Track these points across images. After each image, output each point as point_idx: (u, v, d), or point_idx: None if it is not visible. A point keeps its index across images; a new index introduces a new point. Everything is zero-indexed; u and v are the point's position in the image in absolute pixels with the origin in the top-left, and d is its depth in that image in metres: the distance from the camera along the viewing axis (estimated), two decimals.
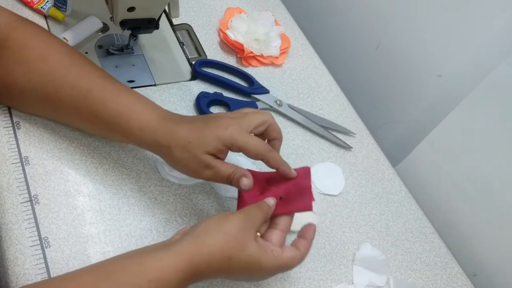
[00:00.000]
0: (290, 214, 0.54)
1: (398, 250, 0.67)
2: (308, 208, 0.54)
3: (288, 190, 0.54)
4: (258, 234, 0.51)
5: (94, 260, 0.54)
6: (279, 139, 0.57)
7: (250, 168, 0.55)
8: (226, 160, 0.54)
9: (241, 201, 0.54)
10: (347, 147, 0.75)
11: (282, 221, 0.53)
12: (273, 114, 0.75)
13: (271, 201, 0.53)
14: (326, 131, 0.75)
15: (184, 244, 0.46)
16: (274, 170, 0.55)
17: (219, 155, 0.53)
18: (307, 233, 0.53)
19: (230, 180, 0.53)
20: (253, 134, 0.54)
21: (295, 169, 0.55)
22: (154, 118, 0.55)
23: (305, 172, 0.55)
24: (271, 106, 0.75)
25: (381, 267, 0.64)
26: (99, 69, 0.59)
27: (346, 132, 0.77)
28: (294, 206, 0.54)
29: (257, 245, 0.48)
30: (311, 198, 0.54)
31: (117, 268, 0.44)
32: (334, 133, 0.76)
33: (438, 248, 0.70)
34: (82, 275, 0.44)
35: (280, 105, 0.75)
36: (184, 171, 0.55)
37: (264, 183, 0.56)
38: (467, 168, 0.72)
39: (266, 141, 0.56)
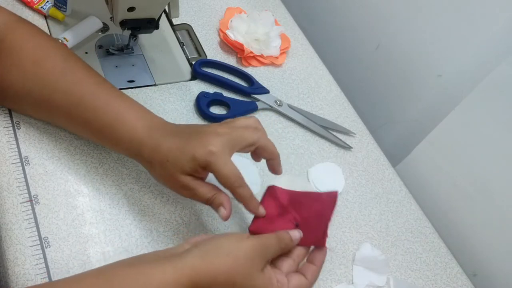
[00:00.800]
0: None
1: (398, 250, 0.67)
2: (321, 244, 0.51)
3: (307, 217, 0.52)
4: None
5: (94, 260, 0.54)
6: (274, 159, 0.55)
7: (253, 171, 0.55)
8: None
9: (255, 219, 0.53)
10: (347, 147, 0.75)
11: (296, 250, 0.51)
12: (273, 114, 0.75)
13: (296, 234, 0.50)
14: (326, 131, 0.75)
15: (190, 259, 0.45)
16: (307, 190, 0.55)
17: (197, 175, 0.51)
18: (316, 258, 0.51)
19: (210, 204, 0.51)
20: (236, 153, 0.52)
21: (324, 193, 0.53)
22: (145, 129, 0.53)
23: (331, 199, 0.53)
24: (271, 106, 0.75)
25: (381, 267, 0.64)
26: (94, 74, 0.58)
27: (346, 132, 0.77)
28: (308, 239, 0.51)
29: (263, 277, 0.47)
30: (325, 232, 0.51)
31: (121, 276, 0.44)
32: (334, 133, 0.76)
33: (438, 248, 0.70)
34: (85, 280, 0.44)
35: (280, 105, 0.75)
36: (167, 186, 0.55)
37: (285, 201, 0.54)
38: (467, 168, 0.72)
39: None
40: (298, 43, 0.88)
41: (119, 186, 0.60)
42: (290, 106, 0.76)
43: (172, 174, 0.51)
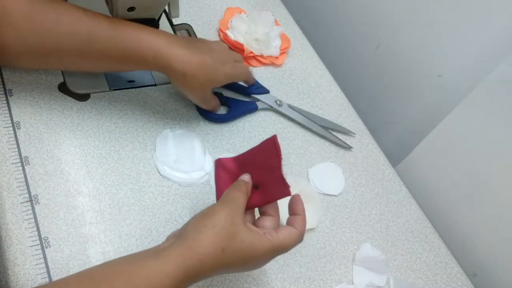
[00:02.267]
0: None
1: (398, 250, 0.67)
2: (287, 193, 0.50)
3: (260, 174, 0.52)
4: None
5: (94, 260, 0.54)
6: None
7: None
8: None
9: (218, 193, 0.53)
10: (347, 147, 0.75)
11: (268, 207, 0.51)
12: (273, 114, 0.75)
13: (245, 176, 0.52)
14: (326, 131, 0.75)
15: (174, 248, 0.45)
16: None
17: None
18: (296, 207, 0.51)
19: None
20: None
21: (263, 143, 0.52)
22: (165, 42, 0.58)
23: (271, 145, 0.51)
24: (271, 106, 0.75)
25: (381, 267, 0.64)
26: (84, 9, 0.58)
27: (346, 132, 0.77)
28: (272, 195, 0.51)
29: (247, 229, 0.47)
30: (284, 181, 0.50)
31: (105, 277, 0.43)
32: (334, 133, 0.76)
33: (438, 248, 0.70)
34: (69, 284, 0.43)
35: (280, 105, 0.75)
36: (190, 97, 0.65)
37: (235, 168, 0.54)
38: (467, 168, 0.72)
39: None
40: (298, 43, 0.88)
41: (119, 186, 0.60)
42: (290, 106, 0.76)
43: (204, 85, 0.62)
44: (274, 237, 0.48)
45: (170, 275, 0.43)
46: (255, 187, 0.52)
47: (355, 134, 0.78)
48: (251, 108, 0.74)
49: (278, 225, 0.51)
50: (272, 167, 0.51)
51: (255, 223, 0.51)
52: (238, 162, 0.54)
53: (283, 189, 0.50)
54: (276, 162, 0.51)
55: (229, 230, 0.46)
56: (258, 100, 0.75)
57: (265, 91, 0.76)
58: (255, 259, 0.48)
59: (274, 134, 0.51)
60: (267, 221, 0.50)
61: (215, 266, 0.46)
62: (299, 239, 0.50)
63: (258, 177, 0.52)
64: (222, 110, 0.73)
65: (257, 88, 0.76)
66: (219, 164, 0.55)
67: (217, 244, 0.45)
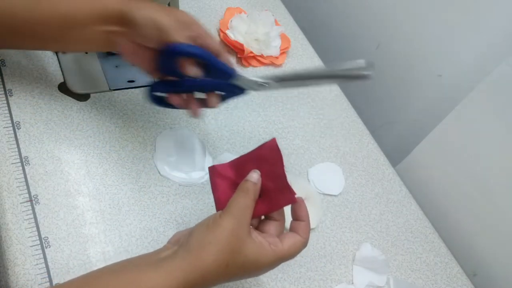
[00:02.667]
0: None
1: (398, 250, 0.67)
2: (292, 200, 0.48)
3: (263, 181, 0.49)
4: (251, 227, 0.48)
5: (94, 260, 0.54)
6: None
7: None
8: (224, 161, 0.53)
9: (217, 203, 0.50)
10: (364, 76, 0.57)
11: (274, 214, 0.50)
12: (274, 112, 0.75)
13: (253, 175, 0.48)
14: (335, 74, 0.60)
15: (177, 262, 0.44)
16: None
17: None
18: (300, 214, 0.49)
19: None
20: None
21: (263, 146, 0.49)
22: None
23: (272, 149, 0.48)
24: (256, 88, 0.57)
25: (381, 267, 0.64)
26: None
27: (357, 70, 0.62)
28: (277, 203, 0.49)
29: (252, 243, 0.46)
30: (289, 186, 0.48)
31: (107, 285, 0.43)
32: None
33: (438, 248, 0.70)
34: None
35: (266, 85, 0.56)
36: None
37: (233, 175, 0.51)
38: (467, 168, 0.72)
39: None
40: (298, 43, 0.88)
41: (119, 186, 0.60)
42: (279, 79, 0.55)
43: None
44: (279, 248, 0.47)
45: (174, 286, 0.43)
46: (259, 195, 0.49)
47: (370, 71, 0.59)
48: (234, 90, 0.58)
49: (283, 230, 0.50)
50: (275, 173, 0.48)
51: (259, 227, 0.50)
52: (235, 168, 0.51)
53: (289, 196, 0.48)
54: (279, 168, 0.48)
55: (234, 245, 0.45)
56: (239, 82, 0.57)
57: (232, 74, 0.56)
58: (259, 269, 0.47)
59: (273, 138, 0.49)
60: (272, 226, 0.49)
61: (218, 279, 0.45)
62: (304, 246, 0.49)
63: (262, 185, 0.49)
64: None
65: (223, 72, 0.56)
66: (214, 172, 0.51)
67: (221, 261, 0.44)
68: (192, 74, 0.53)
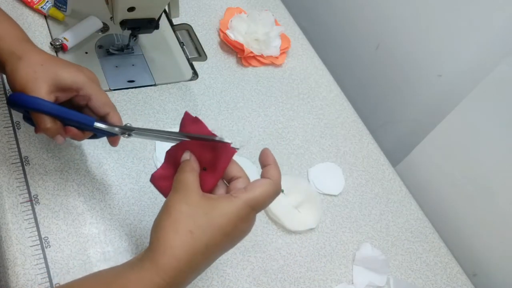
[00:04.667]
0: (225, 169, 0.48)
1: (398, 250, 0.67)
2: (230, 151, 0.47)
3: (200, 155, 0.48)
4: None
5: (94, 260, 0.54)
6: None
7: (253, 171, 0.52)
8: None
9: (164, 191, 0.49)
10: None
11: (231, 172, 0.48)
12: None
13: (184, 155, 0.48)
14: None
15: (146, 257, 0.43)
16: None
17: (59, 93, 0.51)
18: (266, 158, 0.47)
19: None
20: None
21: (181, 124, 0.49)
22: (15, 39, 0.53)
23: (190, 121, 0.48)
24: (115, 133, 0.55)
25: (381, 267, 0.64)
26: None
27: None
28: (220, 162, 0.47)
29: (207, 200, 0.44)
30: (222, 143, 0.47)
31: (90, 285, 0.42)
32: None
33: (438, 248, 0.70)
34: None
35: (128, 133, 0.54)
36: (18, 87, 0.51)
37: (174, 171, 0.49)
38: (467, 168, 0.72)
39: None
40: (298, 43, 0.88)
41: (119, 186, 0.60)
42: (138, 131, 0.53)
43: (43, 78, 0.50)
44: (245, 195, 0.44)
45: (148, 282, 0.41)
46: (204, 169, 0.48)
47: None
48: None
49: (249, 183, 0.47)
50: (204, 143, 0.48)
51: (226, 190, 0.47)
52: (170, 162, 0.50)
53: (225, 150, 0.47)
54: (204, 131, 0.48)
55: (189, 213, 0.43)
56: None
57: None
58: (231, 224, 0.43)
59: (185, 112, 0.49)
60: (238, 183, 0.47)
61: (193, 253, 0.42)
62: (275, 188, 0.45)
63: (199, 159, 0.48)
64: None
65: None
66: (155, 179, 0.51)
67: (182, 232, 0.42)
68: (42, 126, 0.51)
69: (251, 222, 0.45)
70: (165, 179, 0.50)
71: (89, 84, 0.53)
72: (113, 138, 0.55)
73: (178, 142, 0.50)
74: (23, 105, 0.50)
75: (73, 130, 0.53)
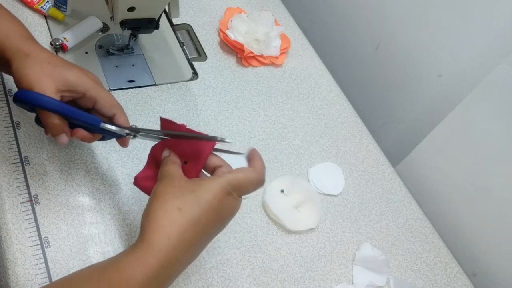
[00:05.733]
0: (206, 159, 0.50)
1: (398, 250, 0.67)
2: (211, 146, 0.50)
3: (180, 151, 0.51)
4: None
5: (94, 260, 0.54)
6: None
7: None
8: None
9: (149, 192, 0.50)
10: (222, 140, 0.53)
11: (212, 162, 0.50)
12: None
13: (164, 153, 0.51)
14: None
15: (138, 240, 0.44)
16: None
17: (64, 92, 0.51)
18: (252, 153, 0.50)
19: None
20: None
21: (162, 126, 0.51)
22: (21, 38, 0.53)
23: (169, 123, 0.51)
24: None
25: (381, 267, 0.64)
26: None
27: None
28: (201, 154, 0.50)
29: (193, 180, 0.46)
30: (203, 136, 0.50)
31: (79, 279, 0.43)
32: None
33: (438, 248, 0.70)
34: None
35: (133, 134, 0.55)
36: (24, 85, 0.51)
37: (157, 171, 0.51)
38: (467, 168, 0.72)
39: None
40: (298, 43, 0.88)
41: (119, 186, 0.60)
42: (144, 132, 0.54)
43: (49, 74, 0.51)
44: (226, 174, 0.47)
45: (141, 262, 0.42)
46: (185, 162, 0.51)
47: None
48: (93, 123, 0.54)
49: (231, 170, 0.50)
50: (184, 141, 0.50)
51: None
52: (152, 162, 0.52)
53: (204, 145, 0.50)
54: (183, 130, 0.50)
55: (176, 193, 0.45)
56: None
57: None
58: (217, 198, 0.45)
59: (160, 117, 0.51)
60: (221, 169, 0.50)
61: (183, 229, 0.44)
62: (257, 175, 0.48)
63: (179, 154, 0.51)
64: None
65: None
66: (139, 180, 0.52)
67: (170, 210, 0.44)
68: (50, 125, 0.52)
69: (236, 201, 0.47)
70: (148, 180, 0.52)
71: (95, 86, 0.53)
72: (122, 140, 0.56)
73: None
74: (30, 102, 0.50)
75: (82, 131, 0.53)
